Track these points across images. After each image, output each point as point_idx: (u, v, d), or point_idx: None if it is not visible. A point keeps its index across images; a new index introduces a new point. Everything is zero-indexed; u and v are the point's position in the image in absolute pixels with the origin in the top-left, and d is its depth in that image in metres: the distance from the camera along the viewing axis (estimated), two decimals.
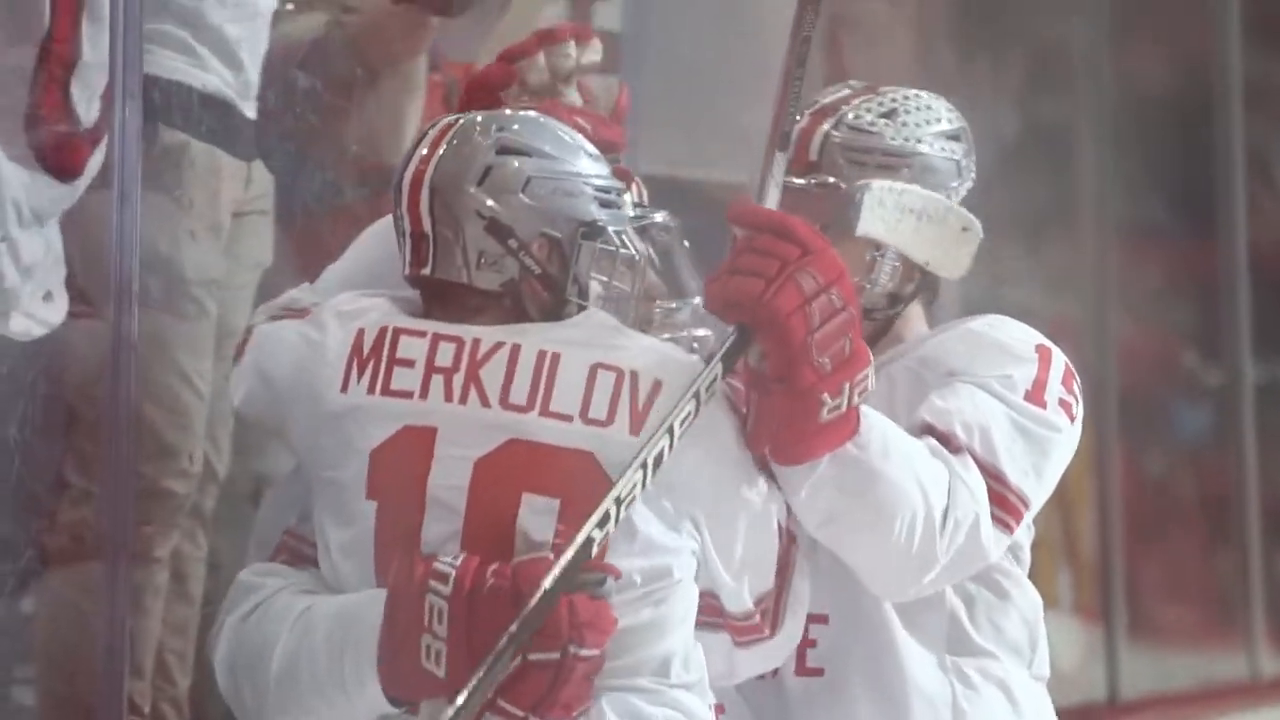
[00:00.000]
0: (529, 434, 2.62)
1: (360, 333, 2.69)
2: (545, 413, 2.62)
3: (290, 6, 3.87)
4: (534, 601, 2.50)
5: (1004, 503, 2.75)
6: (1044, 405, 2.80)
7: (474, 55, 4.16)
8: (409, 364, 2.66)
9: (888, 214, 2.83)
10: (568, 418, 2.62)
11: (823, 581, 2.76)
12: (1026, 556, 2.90)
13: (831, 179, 2.85)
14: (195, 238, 3.58)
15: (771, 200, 2.70)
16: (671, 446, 2.58)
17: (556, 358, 2.64)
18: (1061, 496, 3.47)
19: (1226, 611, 6.82)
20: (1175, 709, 6.40)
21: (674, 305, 2.88)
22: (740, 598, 2.69)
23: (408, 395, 2.65)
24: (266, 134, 3.71)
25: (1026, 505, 2.78)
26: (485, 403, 2.64)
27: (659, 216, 2.84)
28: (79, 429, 3.38)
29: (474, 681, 2.49)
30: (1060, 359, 2.85)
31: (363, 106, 3.93)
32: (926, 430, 2.75)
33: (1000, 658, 2.86)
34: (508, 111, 2.80)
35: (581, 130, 2.81)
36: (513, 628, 2.49)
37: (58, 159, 3.16)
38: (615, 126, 2.98)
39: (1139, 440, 6.60)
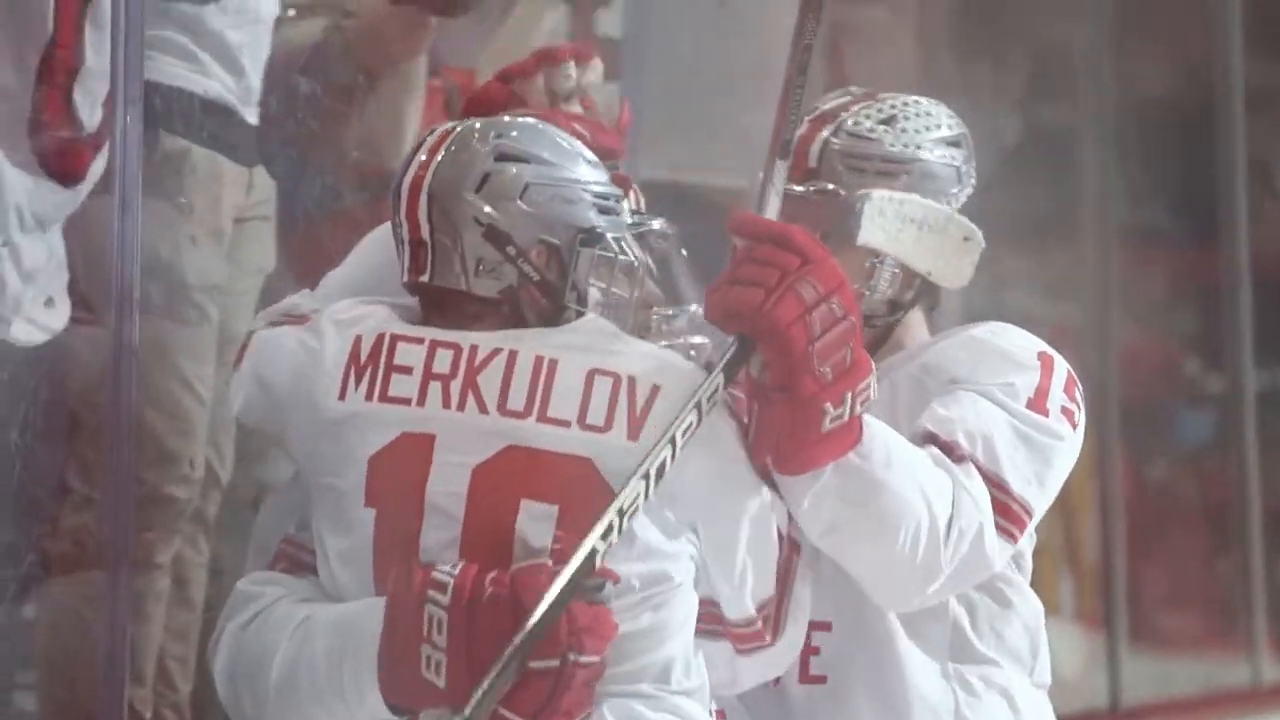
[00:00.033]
0: (527, 440, 2.61)
1: (358, 340, 2.68)
2: (543, 419, 2.62)
3: (291, 12, 3.87)
4: (537, 615, 2.49)
5: (1007, 512, 2.73)
6: (1046, 413, 2.78)
7: (474, 61, 4.16)
8: (407, 371, 2.65)
9: (888, 224, 2.82)
10: (565, 423, 2.62)
11: (825, 588, 2.75)
12: (1028, 564, 2.89)
13: (831, 186, 2.84)
14: (197, 243, 3.58)
15: (772, 209, 2.68)
16: (674, 457, 2.57)
17: (554, 363, 2.64)
18: (1063, 503, 3.46)
19: (1228, 618, 6.80)
20: (1177, 715, 6.39)
21: (671, 312, 2.87)
22: (741, 605, 2.68)
23: (406, 402, 2.65)
24: (268, 139, 3.71)
25: (1030, 514, 2.76)
26: (483, 409, 2.63)
27: (657, 223, 2.84)
28: (81, 435, 3.39)
29: (477, 697, 2.48)
30: (1062, 366, 2.83)
31: (363, 111, 3.92)
32: (929, 439, 2.74)
33: (1002, 665, 2.85)
34: (506, 118, 2.79)
35: (580, 137, 2.81)
36: (516, 641, 2.49)
37: (60, 164, 3.16)
38: (614, 133, 2.98)
39: (1141, 447, 6.59)
